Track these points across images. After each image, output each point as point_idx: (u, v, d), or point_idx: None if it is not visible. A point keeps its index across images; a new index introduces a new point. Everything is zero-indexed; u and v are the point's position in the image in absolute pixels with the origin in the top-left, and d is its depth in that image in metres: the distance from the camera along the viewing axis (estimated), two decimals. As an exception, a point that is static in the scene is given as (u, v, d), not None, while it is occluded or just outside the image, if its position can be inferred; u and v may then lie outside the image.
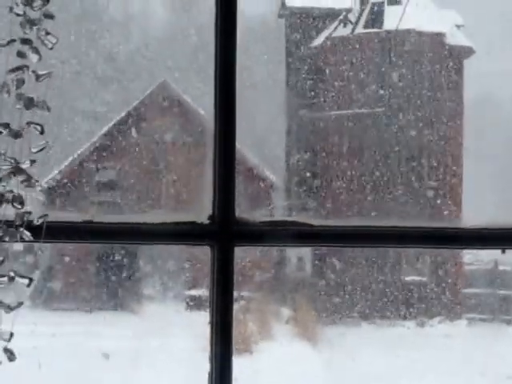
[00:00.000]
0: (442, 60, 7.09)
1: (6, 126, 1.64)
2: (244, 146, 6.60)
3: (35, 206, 1.83)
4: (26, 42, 1.61)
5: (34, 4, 1.58)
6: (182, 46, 7.07)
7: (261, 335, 6.99)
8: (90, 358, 6.19)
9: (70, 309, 7.17)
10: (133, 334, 6.71)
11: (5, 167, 1.68)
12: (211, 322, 2.09)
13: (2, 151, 1.68)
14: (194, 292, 7.18)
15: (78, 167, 6.74)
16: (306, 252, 7.13)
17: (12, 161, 1.68)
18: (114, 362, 6.35)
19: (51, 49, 1.63)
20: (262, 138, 7.22)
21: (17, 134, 1.67)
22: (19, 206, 1.67)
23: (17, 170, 1.68)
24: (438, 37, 7.04)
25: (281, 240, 2.07)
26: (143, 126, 7.04)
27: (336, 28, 7.09)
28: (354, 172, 6.86)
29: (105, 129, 7.02)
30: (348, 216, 6.59)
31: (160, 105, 7.07)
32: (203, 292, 7.12)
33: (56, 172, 7.19)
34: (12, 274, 1.62)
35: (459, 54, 7.08)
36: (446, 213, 6.76)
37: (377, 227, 2.04)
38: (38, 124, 1.65)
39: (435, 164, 6.94)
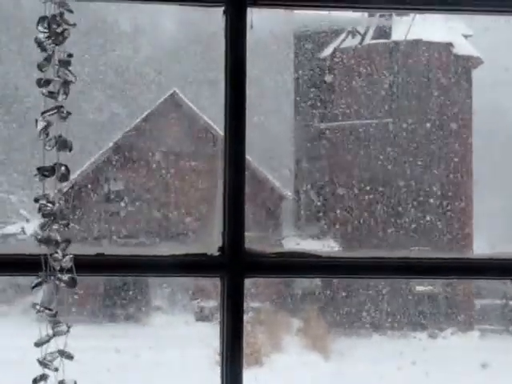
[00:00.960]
0: (450, 70, 7.10)
1: (53, 170, 1.67)
2: (252, 153, 6.63)
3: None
4: (66, 83, 1.64)
5: (59, 39, 1.61)
6: (190, 57, 7.10)
7: (271, 347, 7.00)
8: (100, 370, 6.22)
9: (80, 321, 7.21)
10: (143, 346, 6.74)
11: (46, 209, 1.69)
12: (221, 352, 2.10)
13: (45, 192, 1.70)
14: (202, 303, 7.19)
15: (83, 188, 6.76)
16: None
17: (50, 204, 1.70)
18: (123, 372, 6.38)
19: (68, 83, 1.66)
20: (271, 147, 7.23)
21: (65, 177, 1.70)
22: (63, 250, 1.70)
23: (58, 215, 1.70)
24: (446, 47, 7.05)
25: (290, 271, 2.09)
26: (152, 138, 7.06)
27: (345, 39, 7.11)
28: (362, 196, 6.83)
29: (113, 140, 7.05)
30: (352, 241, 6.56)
31: (170, 115, 7.10)
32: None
33: (64, 185, 7.22)
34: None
35: (467, 64, 7.08)
36: (456, 240, 6.73)
37: (387, 258, 2.06)
38: (64, 165, 1.69)
39: (444, 183, 6.91)
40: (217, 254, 2.03)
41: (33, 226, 6.88)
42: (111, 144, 7.01)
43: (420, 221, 6.78)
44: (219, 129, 6.79)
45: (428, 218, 6.80)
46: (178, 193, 6.77)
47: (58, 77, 1.69)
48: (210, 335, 6.62)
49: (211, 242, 2.06)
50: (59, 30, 1.65)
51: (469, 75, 7.07)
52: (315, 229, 7.06)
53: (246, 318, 2.00)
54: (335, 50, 7.13)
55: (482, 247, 6.54)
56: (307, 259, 2.03)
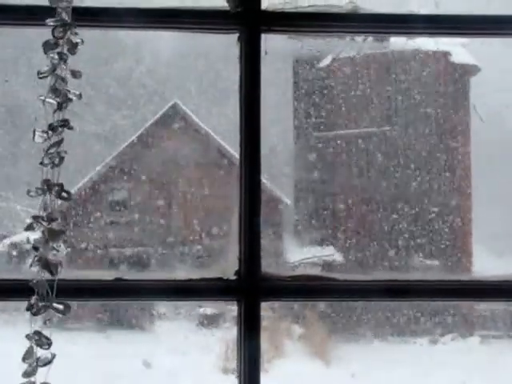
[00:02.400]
0: (448, 78, 7.10)
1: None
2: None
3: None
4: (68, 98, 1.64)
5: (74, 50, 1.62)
6: (192, 69, 7.09)
7: (273, 353, 6.99)
8: (104, 377, 6.21)
9: (82, 328, 7.18)
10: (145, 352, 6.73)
11: (38, 230, 1.68)
12: (239, 373, 2.10)
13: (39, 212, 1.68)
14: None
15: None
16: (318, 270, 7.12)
17: (43, 222, 1.67)
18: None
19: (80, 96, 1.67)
20: (270, 158, 7.23)
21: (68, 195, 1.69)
22: (52, 273, 1.66)
23: (51, 235, 1.67)
24: (444, 56, 7.05)
25: (306, 295, 2.09)
26: (154, 149, 7.05)
27: (343, 49, 7.11)
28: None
29: (116, 152, 7.04)
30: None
31: (171, 127, 7.09)
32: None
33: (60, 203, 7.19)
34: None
35: (465, 72, 7.08)
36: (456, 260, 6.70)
37: (401, 281, 2.07)
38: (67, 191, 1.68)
39: (442, 199, 6.89)
40: (233, 278, 2.03)
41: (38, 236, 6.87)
42: (113, 155, 7.00)
43: (419, 232, 6.79)
44: (221, 139, 6.78)
45: (426, 231, 6.79)
46: (182, 207, 6.77)
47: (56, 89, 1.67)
48: (214, 342, 6.62)
49: (227, 266, 2.06)
50: (75, 40, 1.65)
51: (467, 83, 7.08)
52: (315, 237, 7.06)
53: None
54: (334, 59, 7.13)
55: (481, 262, 6.54)
56: (323, 282, 2.03)
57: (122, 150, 6.90)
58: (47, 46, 1.66)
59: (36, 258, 1.67)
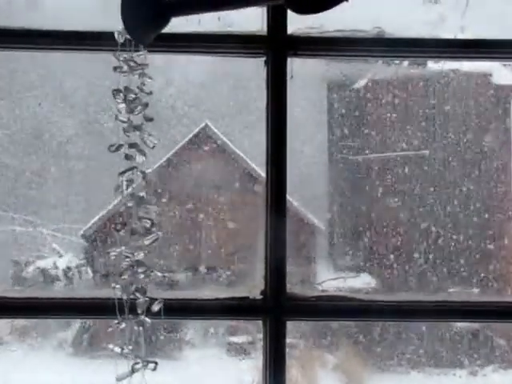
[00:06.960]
0: (489, 100, 7.16)
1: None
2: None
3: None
4: (132, 146, 1.78)
5: (136, 110, 1.75)
6: (222, 90, 7.24)
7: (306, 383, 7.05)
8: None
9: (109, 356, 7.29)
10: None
11: (126, 261, 1.84)
12: (264, 394, 2.21)
13: (123, 247, 1.85)
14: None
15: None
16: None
17: (130, 255, 1.84)
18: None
19: (153, 147, 1.80)
20: (304, 181, 7.33)
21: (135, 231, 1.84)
22: (142, 296, 1.83)
23: (137, 263, 1.84)
24: (484, 76, 7.12)
25: (331, 315, 2.21)
26: (184, 172, 7.19)
27: (379, 69, 7.20)
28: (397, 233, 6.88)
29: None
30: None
31: (202, 149, 7.23)
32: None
33: (95, 219, 7.35)
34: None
35: (507, 93, 7.14)
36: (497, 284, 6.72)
37: (428, 302, 2.17)
38: (148, 219, 1.82)
39: (484, 223, 6.92)
40: (259, 297, 2.15)
41: (65, 260, 7.02)
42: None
43: (459, 258, 6.82)
44: (252, 161, 6.92)
45: (467, 256, 6.82)
46: (214, 231, 6.88)
47: (142, 140, 1.81)
48: (243, 370, 6.70)
49: (253, 286, 2.19)
50: (131, 97, 1.78)
51: (508, 105, 7.14)
52: (349, 263, 7.14)
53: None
54: (369, 80, 7.24)
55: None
56: (348, 303, 2.14)
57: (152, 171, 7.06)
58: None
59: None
